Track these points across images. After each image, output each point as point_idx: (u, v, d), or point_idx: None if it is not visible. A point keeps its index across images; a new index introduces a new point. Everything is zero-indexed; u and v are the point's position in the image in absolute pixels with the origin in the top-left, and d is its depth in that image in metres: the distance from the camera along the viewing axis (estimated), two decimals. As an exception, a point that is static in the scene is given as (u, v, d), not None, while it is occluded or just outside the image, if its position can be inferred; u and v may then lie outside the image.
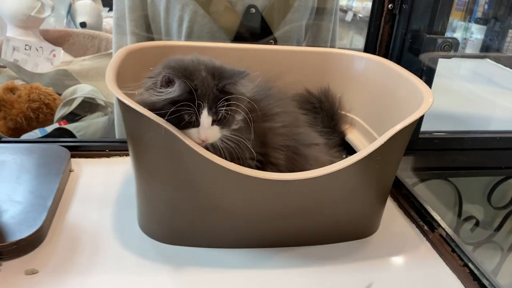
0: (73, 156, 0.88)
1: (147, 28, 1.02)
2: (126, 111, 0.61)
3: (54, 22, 1.87)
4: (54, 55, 1.50)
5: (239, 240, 0.68)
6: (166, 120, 0.56)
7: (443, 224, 0.77)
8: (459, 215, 1.16)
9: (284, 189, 0.63)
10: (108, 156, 0.93)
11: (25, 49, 1.45)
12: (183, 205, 0.65)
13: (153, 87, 0.58)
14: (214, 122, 0.58)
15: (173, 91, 0.56)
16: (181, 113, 0.56)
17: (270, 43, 1.01)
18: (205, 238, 0.68)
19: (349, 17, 2.84)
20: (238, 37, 0.98)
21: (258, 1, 0.98)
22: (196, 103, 0.56)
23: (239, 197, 0.64)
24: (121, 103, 0.59)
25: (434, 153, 1.10)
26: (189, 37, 0.98)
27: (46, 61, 1.48)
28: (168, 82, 0.57)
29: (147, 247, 0.68)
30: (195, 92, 0.56)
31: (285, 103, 0.74)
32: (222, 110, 0.57)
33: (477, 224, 1.17)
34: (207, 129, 0.58)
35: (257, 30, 0.99)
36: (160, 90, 0.57)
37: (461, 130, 1.13)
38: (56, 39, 1.62)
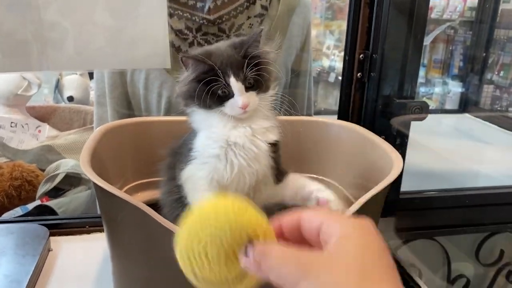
0: (53, 234, 0.87)
1: (127, 105, 1.04)
2: (99, 192, 0.62)
3: (42, 96, 1.91)
4: (39, 131, 1.53)
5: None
6: (204, 100, 0.60)
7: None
8: (449, 274, 1.14)
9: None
10: (88, 232, 0.92)
11: (11, 126, 1.48)
12: None
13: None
14: (248, 88, 0.60)
15: (193, 70, 0.60)
16: (212, 89, 0.58)
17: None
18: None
19: (331, 78, 2.99)
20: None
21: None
22: (221, 75, 0.58)
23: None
24: (94, 184, 0.60)
25: (417, 213, 1.10)
26: (168, 111, 1.00)
27: (31, 137, 1.51)
28: (187, 65, 0.61)
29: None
30: (215, 66, 0.58)
31: None
32: (251, 73, 0.59)
33: (467, 283, 1.16)
34: (243, 95, 0.59)
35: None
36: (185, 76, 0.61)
37: (442, 188, 1.14)
38: (43, 115, 1.66)
